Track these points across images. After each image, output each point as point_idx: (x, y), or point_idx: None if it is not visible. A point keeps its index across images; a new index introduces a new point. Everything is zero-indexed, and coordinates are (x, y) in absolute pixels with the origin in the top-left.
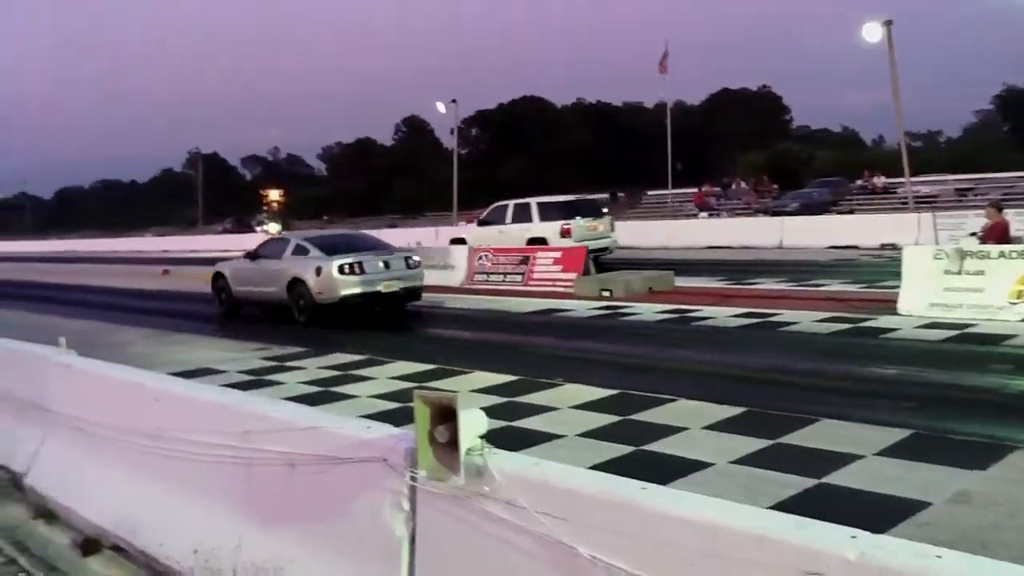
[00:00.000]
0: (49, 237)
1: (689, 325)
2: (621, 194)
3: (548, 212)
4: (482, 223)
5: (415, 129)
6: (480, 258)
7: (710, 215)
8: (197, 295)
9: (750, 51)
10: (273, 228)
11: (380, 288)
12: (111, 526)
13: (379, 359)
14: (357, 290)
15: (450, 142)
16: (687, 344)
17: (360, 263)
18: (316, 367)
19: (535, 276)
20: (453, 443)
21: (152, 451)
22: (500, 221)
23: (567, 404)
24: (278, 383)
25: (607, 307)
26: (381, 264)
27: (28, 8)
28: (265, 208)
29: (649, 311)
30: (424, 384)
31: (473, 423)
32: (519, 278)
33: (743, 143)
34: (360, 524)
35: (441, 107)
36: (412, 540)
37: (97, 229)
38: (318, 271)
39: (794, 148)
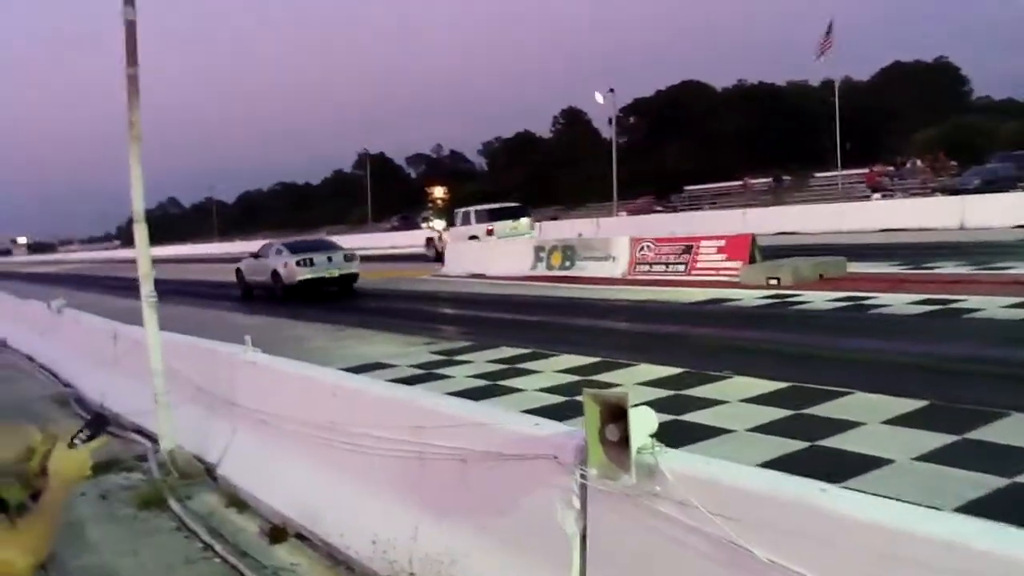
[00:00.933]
0: (233, 239)
1: (864, 313)
2: (786, 177)
3: (481, 217)
4: (450, 224)
5: (573, 120)
6: (642, 248)
7: (883, 196)
8: (369, 291)
9: (923, 21)
10: (438, 224)
11: (324, 274)
12: (295, 515)
13: (544, 352)
14: (308, 276)
15: (608, 132)
16: (862, 333)
17: (311, 258)
18: (483, 360)
19: (699, 265)
20: (624, 442)
21: (330, 444)
22: (460, 224)
23: (736, 398)
24: (447, 377)
25: (775, 295)
26: (326, 259)
27: (210, 20)
28: (430, 205)
29: (820, 299)
30: (589, 377)
31: (644, 421)
32: (682, 268)
33: (917, 119)
34: (531, 520)
35: (599, 97)
36: (583, 538)
37: (275, 230)
38: (285, 264)
39: (975, 121)
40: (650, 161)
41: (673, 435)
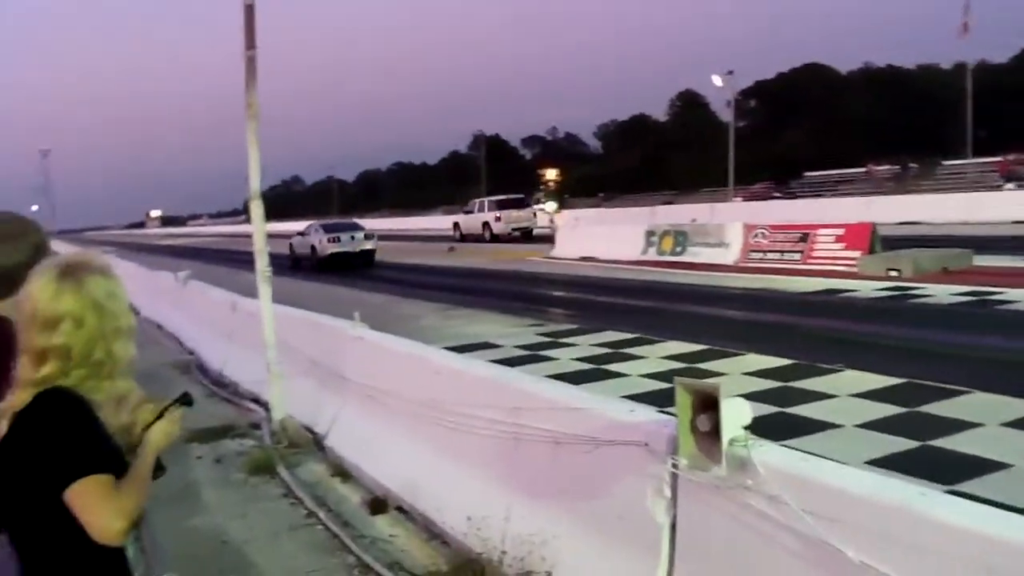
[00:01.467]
0: (351, 216)
1: (988, 308)
2: (913, 165)
3: (492, 206)
4: (466, 212)
5: (690, 104)
6: (756, 235)
7: (1018, 186)
8: (480, 271)
9: None
10: (550, 207)
11: (347, 249)
12: (396, 488)
13: (650, 338)
14: (335, 250)
15: (727, 115)
16: (985, 330)
17: (339, 236)
18: (588, 344)
19: (815, 254)
20: (715, 432)
21: (431, 420)
22: (473, 211)
23: (846, 392)
24: (552, 359)
25: (894, 287)
26: (349, 237)
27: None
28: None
29: (943, 293)
30: (694, 365)
31: (736, 412)
32: (797, 256)
33: None
34: (621, 506)
35: (717, 80)
36: (672, 527)
37: (392, 208)
38: (320, 241)
39: None
40: (769, 146)
41: (775, 428)
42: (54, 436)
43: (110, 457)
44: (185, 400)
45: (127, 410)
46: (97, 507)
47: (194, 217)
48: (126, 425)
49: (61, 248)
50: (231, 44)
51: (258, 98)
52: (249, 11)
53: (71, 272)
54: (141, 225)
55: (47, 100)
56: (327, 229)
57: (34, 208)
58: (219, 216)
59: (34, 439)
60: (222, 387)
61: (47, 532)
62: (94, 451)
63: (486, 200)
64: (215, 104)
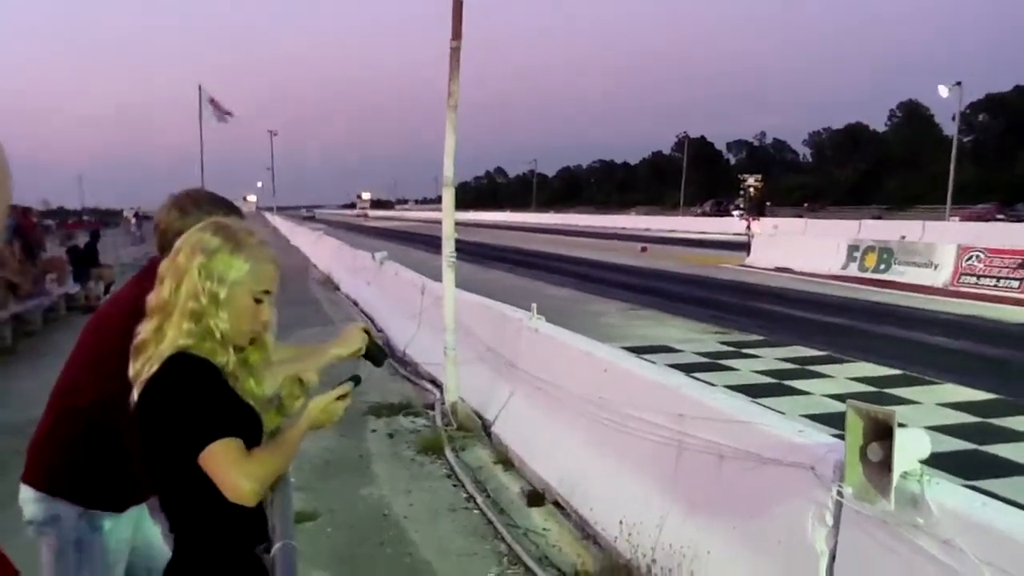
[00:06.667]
0: (549, 211)
1: None
2: None
3: None
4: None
5: (912, 115)
6: (970, 258)
7: None
8: (668, 273)
9: None
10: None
11: None
12: (555, 483)
13: (840, 357)
14: None
15: (952, 129)
16: None
17: None
18: (773, 357)
19: None
20: (887, 463)
21: (595, 418)
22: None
23: None
24: (732, 368)
25: None
26: None
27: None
28: (742, 193)
29: None
30: (884, 390)
31: (913, 445)
32: (1015, 284)
33: None
34: (780, 529)
35: (943, 90)
36: (832, 557)
37: (590, 206)
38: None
39: None
40: (998, 164)
41: (965, 466)
42: (180, 403)
43: (238, 421)
44: (356, 380)
45: (264, 380)
46: (226, 469)
47: (401, 202)
48: (264, 396)
49: (277, 222)
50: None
51: (459, 89)
52: (458, 3)
53: (205, 242)
54: (352, 206)
55: (273, 80)
56: None
57: (258, 184)
58: (424, 202)
59: (165, 406)
60: (404, 366)
61: (186, 494)
62: (218, 416)
63: None
64: (428, 93)
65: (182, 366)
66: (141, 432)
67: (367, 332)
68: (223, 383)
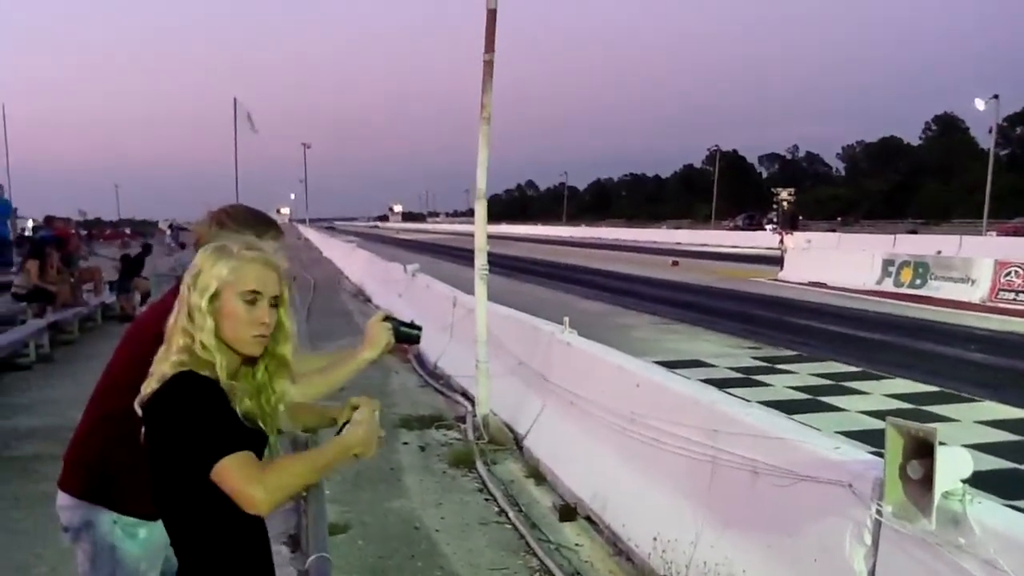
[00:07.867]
0: (580, 224)
1: None
2: None
3: None
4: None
5: (948, 128)
6: (1008, 273)
7: None
8: (700, 287)
9: None
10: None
11: None
12: (587, 498)
13: (876, 373)
14: None
15: (988, 143)
16: None
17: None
18: (807, 372)
19: None
20: (927, 482)
21: (627, 433)
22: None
23: None
24: (765, 384)
25: None
26: None
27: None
28: (774, 206)
29: None
30: (921, 407)
31: (955, 462)
32: None
33: None
34: (817, 547)
35: (980, 103)
36: None
37: (621, 219)
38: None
39: None
40: None
41: (1007, 486)
42: (180, 422)
43: (236, 438)
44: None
45: (280, 393)
46: (237, 479)
47: (433, 214)
48: (273, 411)
49: (310, 234)
50: (479, 49)
51: (492, 101)
52: (491, 16)
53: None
54: (384, 218)
55: (309, 95)
56: None
57: (292, 196)
58: (455, 215)
59: (163, 428)
60: (436, 378)
61: (189, 520)
62: (220, 434)
63: None
64: (461, 106)
65: (179, 385)
66: (147, 453)
67: (388, 319)
68: (223, 400)
